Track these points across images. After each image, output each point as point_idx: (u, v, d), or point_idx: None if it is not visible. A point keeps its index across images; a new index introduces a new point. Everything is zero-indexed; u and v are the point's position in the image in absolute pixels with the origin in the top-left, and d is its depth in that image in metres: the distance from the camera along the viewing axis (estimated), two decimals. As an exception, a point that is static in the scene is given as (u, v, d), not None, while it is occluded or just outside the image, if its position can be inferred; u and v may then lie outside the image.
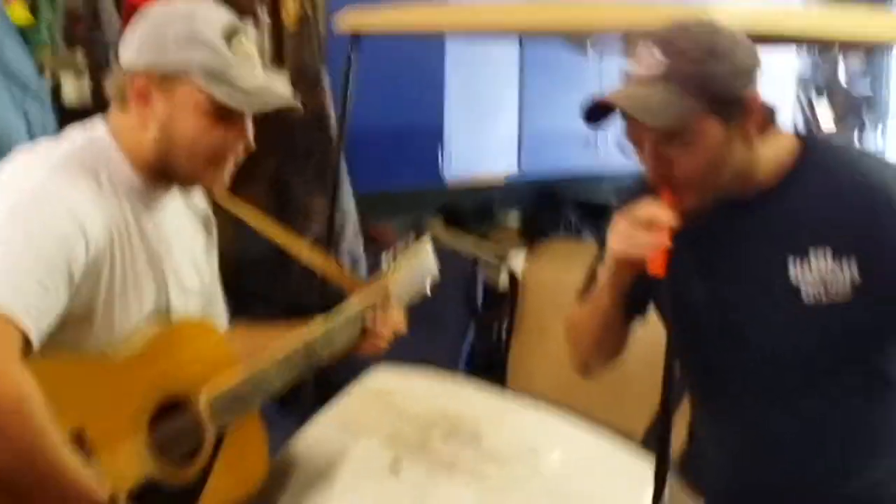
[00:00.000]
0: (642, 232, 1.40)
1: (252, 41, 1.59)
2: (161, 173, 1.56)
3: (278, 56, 3.51)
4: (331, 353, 1.82)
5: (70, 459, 1.34)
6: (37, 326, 1.31)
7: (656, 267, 1.39)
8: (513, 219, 4.64)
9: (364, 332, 1.87)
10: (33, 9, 2.89)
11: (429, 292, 2.08)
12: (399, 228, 4.10)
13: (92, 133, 1.56)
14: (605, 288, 1.53)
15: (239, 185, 3.73)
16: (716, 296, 1.50)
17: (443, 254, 3.47)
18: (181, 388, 1.59)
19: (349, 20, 2.58)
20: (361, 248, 3.56)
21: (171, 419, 1.57)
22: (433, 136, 3.94)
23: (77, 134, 1.56)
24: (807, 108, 6.18)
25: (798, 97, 6.04)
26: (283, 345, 1.74)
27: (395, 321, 1.91)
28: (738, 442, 1.55)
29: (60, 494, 1.34)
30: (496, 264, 3.40)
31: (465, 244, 3.97)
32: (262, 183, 3.60)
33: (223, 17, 1.55)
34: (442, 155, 3.96)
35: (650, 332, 1.97)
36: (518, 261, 3.22)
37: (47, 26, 2.89)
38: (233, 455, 1.67)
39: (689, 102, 1.35)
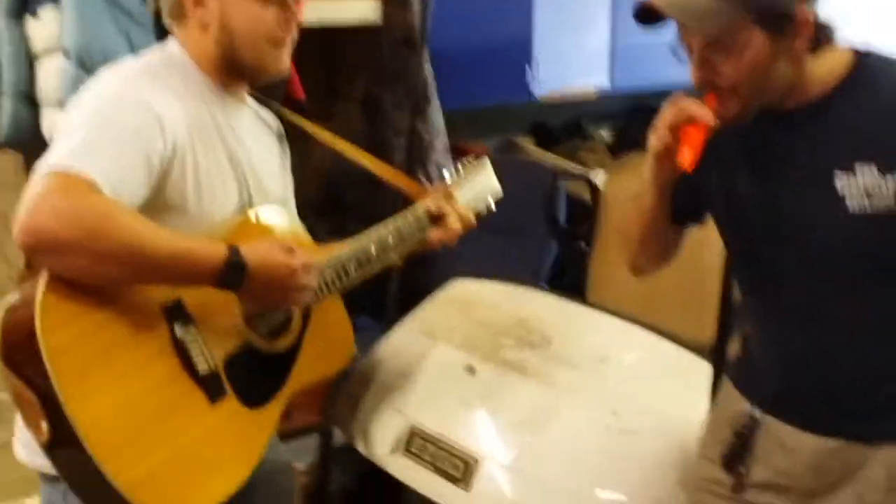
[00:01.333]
0: (677, 113, 1.46)
1: None
2: (230, 70, 1.68)
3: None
4: (401, 249, 1.91)
5: (176, 236, 1.46)
6: (113, 189, 1.42)
7: (686, 161, 1.45)
8: (604, 133, 4.63)
9: (434, 227, 1.95)
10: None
11: (493, 208, 2.15)
12: (489, 144, 4.16)
13: (164, 47, 1.71)
14: (647, 185, 1.59)
15: (331, 104, 3.87)
16: (765, 200, 1.53)
17: (523, 168, 3.57)
18: None
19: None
20: (451, 164, 3.64)
21: None
22: (522, 50, 3.94)
23: (151, 51, 1.71)
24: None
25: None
26: (357, 240, 1.86)
27: (463, 215, 1.98)
28: (787, 344, 1.59)
29: (184, 266, 1.47)
30: (580, 178, 3.45)
31: (551, 158, 4.03)
32: (354, 101, 3.70)
33: None
34: (531, 70, 3.97)
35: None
36: (601, 175, 3.27)
37: (148, -48, 3.00)
38: (320, 333, 1.81)
39: (734, 11, 1.38)
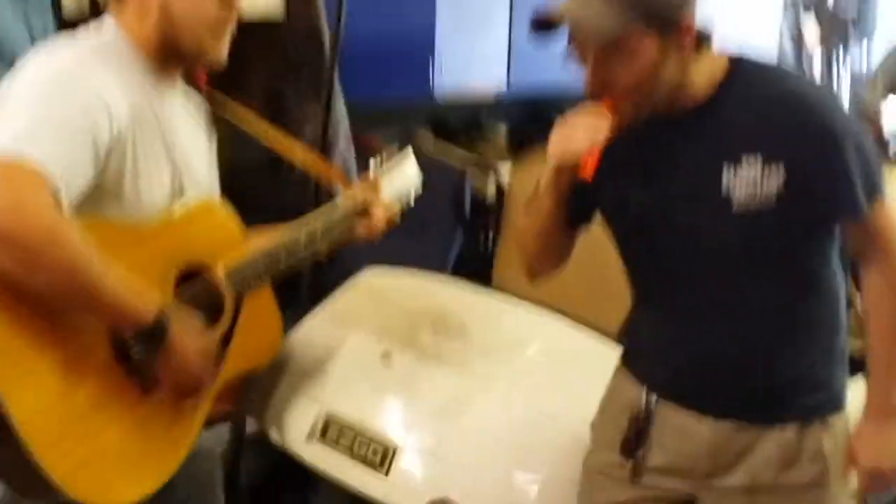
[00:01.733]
0: (577, 137, 1.51)
1: None
2: (169, 55, 1.66)
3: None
4: (330, 240, 1.95)
5: (112, 276, 1.45)
6: (62, 179, 1.39)
7: (586, 170, 1.51)
8: (501, 132, 4.71)
9: (360, 221, 1.99)
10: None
11: (412, 202, 2.20)
12: (388, 139, 4.17)
13: (101, 28, 1.67)
14: (545, 192, 1.65)
15: (233, 96, 3.81)
16: (653, 200, 1.60)
17: (432, 164, 3.59)
18: (201, 258, 1.72)
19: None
20: (353, 156, 3.65)
21: (192, 286, 1.70)
22: (424, 48, 3.98)
23: (89, 32, 1.66)
24: (793, 27, 6.20)
25: (785, 15, 6.06)
26: (287, 231, 1.88)
27: (388, 209, 2.03)
28: (679, 334, 1.66)
29: (110, 311, 1.46)
30: (483, 173, 3.51)
31: (453, 155, 4.07)
32: (255, 93, 3.66)
33: None
34: (433, 67, 4.01)
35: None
36: (505, 172, 3.33)
37: (46, -65, 2.91)
38: (251, 324, 1.82)
39: (625, 19, 1.44)
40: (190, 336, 1.58)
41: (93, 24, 1.68)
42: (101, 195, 1.53)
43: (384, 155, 2.15)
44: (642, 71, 1.48)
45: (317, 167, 2.16)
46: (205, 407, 1.72)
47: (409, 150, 2.22)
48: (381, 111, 4.16)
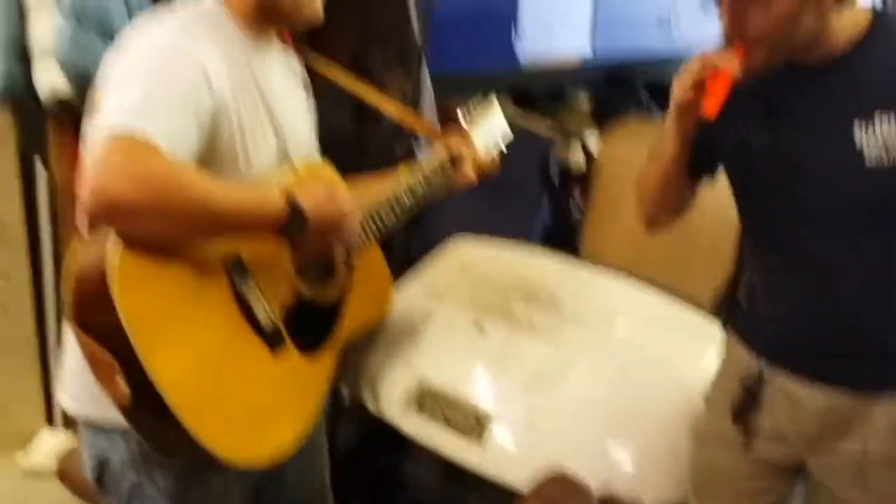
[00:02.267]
0: (701, 72, 1.50)
1: None
2: (266, 17, 1.68)
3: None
4: (429, 195, 1.98)
5: (237, 190, 1.50)
6: (171, 147, 1.43)
7: (710, 108, 1.48)
8: (584, 101, 4.66)
9: (454, 172, 2.02)
10: None
11: (503, 148, 2.19)
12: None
13: (199, 1, 1.69)
14: (668, 135, 1.62)
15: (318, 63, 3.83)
16: (782, 151, 1.57)
17: (516, 131, 3.59)
18: None
19: None
20: (438, 124, 3.66)
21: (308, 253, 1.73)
22: (508, 18, 3.96)
23: (186, 5, 1.69)
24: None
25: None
26: (389, 186, 1.92)
27: (478, 158, 2.06)
28: (796, 296, 1.64)
29: (249, 221, 1.51)
30: (568, 142, 3.48)
31: (537, 124, 4.04)
32: (341, 60, 3.68)
33: None
34: (516, 37, 3.99)
35: (716, 205, 2.08)
36: (592, 139, 3.30)
37: None
38: (363, 281, 1.87)
39: None
40: (322, 197, 1.60)
41: None
42: (216, 164, 1.56)
43: (470, 106, 2.15)
44: (779, 17, 1.46)
45: (409, 120, 2.18)
46: (330, 362, 1.79)
47: (494, 99, 2.21)
48: (464, 80, 4.15)
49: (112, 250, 1.39)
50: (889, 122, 1.47)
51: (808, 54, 1.52)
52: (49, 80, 2.72)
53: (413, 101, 2.86)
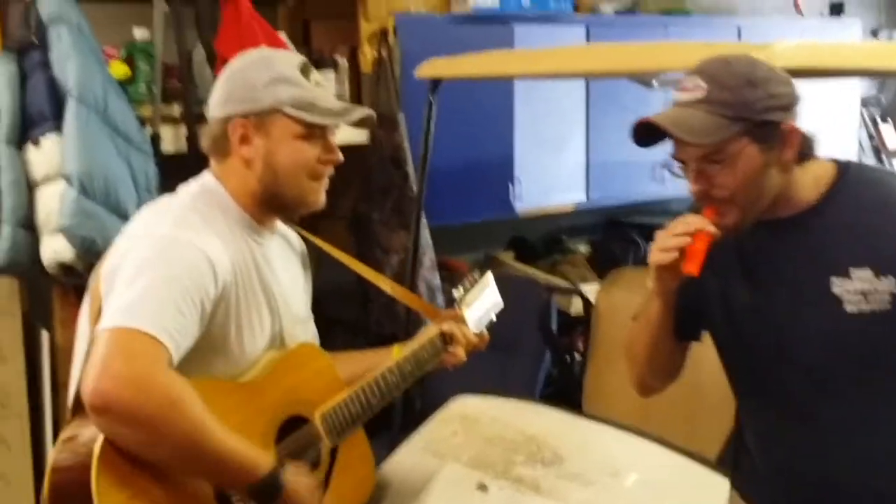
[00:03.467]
0: (675, 235, 1.53)
1: (317, 74, 1.79)
2: (268, 204, 1.74)
3: (357, 99, 3.68)
4: (419, 371, 1.99)
5: (232, 440, 1.50)
6: (175, 346, 1.47)
7: (691, 267, 1.51)
8: (582, 248, 4.73)
9: (445, 351, 2.05)
10: (131, 65, 3.09)
11: (494, 319, 2.23)
12: (471, 261, 4.24)
13: (202, 182, 1.75)
14: (651, 298, 1.65)
15: (321, 222, 3.94)
16: (761, 308, 1.60)
17: (517, 284, 3.63)
18: (301, 407, 1.76)
19: (430, 68, 2.73)
20: (438, 279, 3.70)
21: (293, 436, 1.73)
22: (504, 170, 4.06)
23: (189, 186, 1.76)
24: (871, 128, 6.18)
25: (863, 117, 6.05)
26: (377, 363, 1.93)
27: (470, 338, 2.09)
28: (791, 452, 1.64)
29: (230, 472, 1.51)
30: (572, 292, 3.52)
31: (538, 274, 4.09)
32: (342, 219, 3.77)
33: (294, 55, 1.78)
34: (512, 188, 4.08)
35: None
36: (591, 288, 3.33)
37: (145, 81, 3.09)
38: (345, 470, 1.84)
39: (726, 125, 1.48)
40: (303, 487, 1.61)
41: (192, 182, 1.77)
42: (207, 349, 1.60)
43: (466, 283, 2.19)
44: (744, 178, 1.50)
45: (404, 297, 2.22)
46: None
47: (490, 274, 2.26)
48: (464, 233, 4.23)
49: (99, 447, 1.41)
50: (866, 275, 1.50)
51: (776, 210, 1.56)
52: (54, 247, 2.77)
53: (412, 255, 2.90)
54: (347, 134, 3.58)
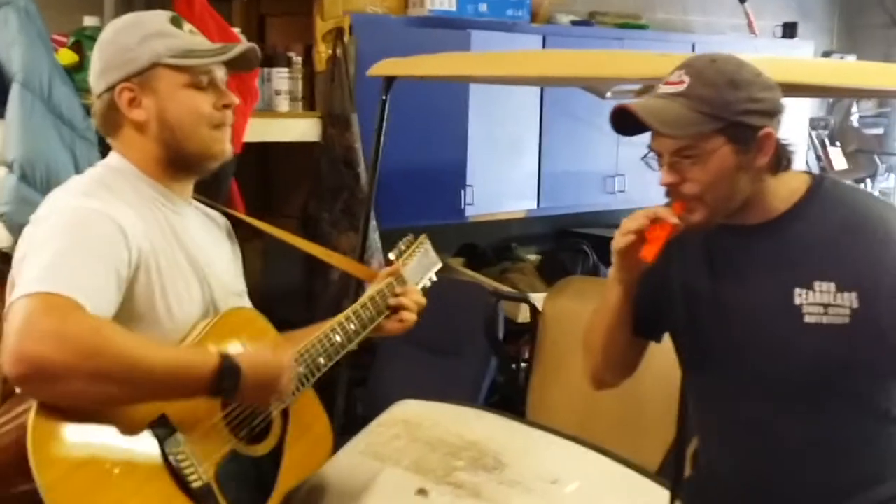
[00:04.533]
0: (637, 219, 1.55)
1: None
2: (175, 165, 1.70)
3: (310, 97, 3.64)
4: (361, 328, 1.93)
5: (169, 348, 1.49)
6: (92, 305, 1.42)
7: (649, 254, 1.53)
8: (531, 257, 4.74)
9: (390, 311, 2.00)
10: (80, 52, 3.03)
11: (434, 279, 2.20)
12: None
13: (104, 161, 1.73)
14: (612, 285, 1.66)
15: (269, 221, 3.88)
16: (722, 311, 1.61)
17: (465, 288, 3.61)
18: None
19: (383, 67, 2.71)
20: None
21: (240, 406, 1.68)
22: (456, 175, 4.05)
23: (94, 166, 1.73)
24: (819, 150, 6.29)
25: (811, 137, 6.15)
26: (322, 331, 1.88)
27: (415, 295, 2.04)
28: (741, 459, 1.65)
29: (184, 378, 1.48)
30: (520, 299, 3.51)
31: (487, 280, 4.08)
32: (291, 218, 3.73)
33: (161, 12, 1.74)
34: (464, 194, 4.07)
35: (665, 367, 2.08)
36: (539, 297, 3.33)
37: (93, 69, 3.02)
38: (301, 430, 1.81)
39: (702, 121, 1.49)
40: (261, 361, 1.59)
41: (98, 163, 1.74)
42: (137, 320, 1.56)
43: (402, 245, 2.16)
44: (715, 177, 1.51)
45: (339, 262, 2.19)
46: None
47: (425, 236, 2.24)
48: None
49: (32, 420, 1.35)
50: (829, 289, 1.51)
51: (745, 215, 1.57)
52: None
53: (359, 256, 2.87)
54: (299, 131, 3.57)
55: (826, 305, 1.51)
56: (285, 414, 1.78)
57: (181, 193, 1.75)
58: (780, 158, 1.56)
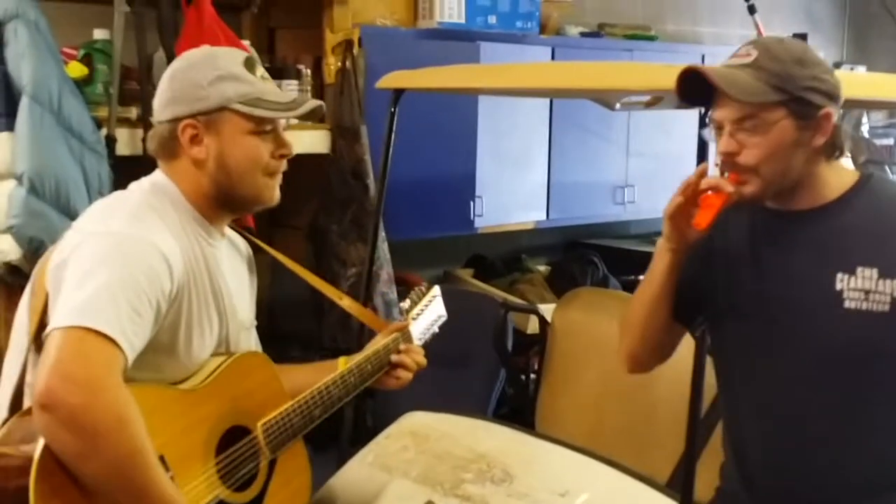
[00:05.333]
0: (691, 186, 1.57)
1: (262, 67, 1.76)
2: (222, 203, 1.71)
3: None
4: (363, 384, 1.94)
5: (164, 479, 1.45)
6: (131, 349, 1.44)
7: (702, 220, 1.55)
8: (541, 268, 4.73)
9: (390, 367, 2.00)
10: (89, 65, 3.04)
11: (437, 331, 2.21)
12: (429, 277, 4.22)
13: (153, 179, 1.72)
14: (660, 254, 1.66)
15: (278, 232, 3.89)
16: (763, 296, 1.62)
17: (474, 299, 3.61)
18: (243, 417, 1.72)
19: (392, 80, 2.71)
20: (394, 293, 3.67)
21: (234, 447, 1.69)
22: (465, 186, 4.05)
23: (141, 182, 1.72)
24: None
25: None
26: (322, 379, 1.88)
27: (416, 356, 2.04)
28: (775, 448, 1.65)
29: None
30: (529, 311, 3.49)
31: (496, 291, 4.07)
32: (300, 230, 3.74)
33: (237, 51, 1.75)
34: (473, 205, 4.07)
35: (674, 379, 2.07)
36: (548, 308, 3.31)
37: (103, 82, 3.03)
38: (282, 482, 1.80)
39: (768, 91, 1.51)
40: None
41: (144, 179, 1.73)
42: (155, 349, 1.56)
43: (414, 296, 2.18)
44: (773, 150, 1.53)
45: (352, 308, 2.19)
46: None
47: (437, 287, 2.25)
48: (423, 248, 4.21)
49: (38, 454, 1.37)
50: (872, 275, 1.53)
51: (794, 199, 1.59)
52: (0, 247, 2.71)
53: (368, 268, 2.87)
54: (308, 143, 3.57)
55: (867, 291, 1.52)
56: (272, 464, 1.78)
57: (219, 227, 1.76)
58: (835, 145, 1.58)
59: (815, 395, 1.59)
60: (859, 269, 1.53)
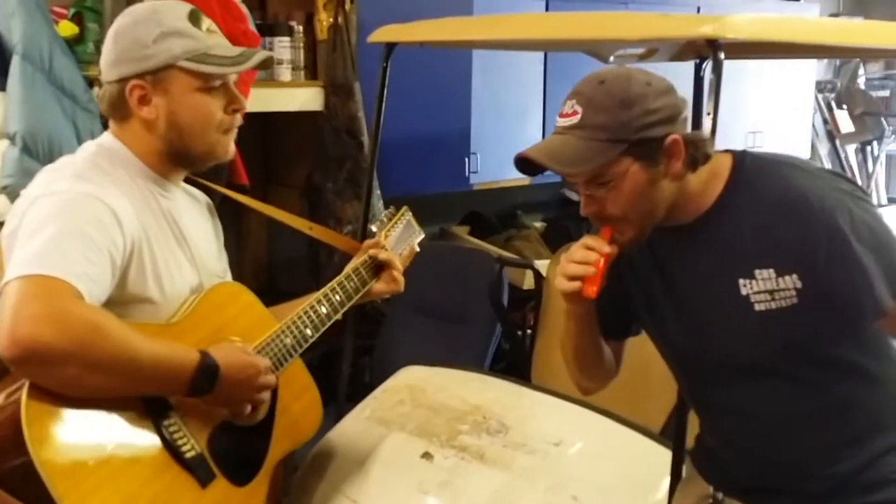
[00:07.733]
0: (572, 267, 1.53)
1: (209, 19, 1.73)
2: (175, 161, 1.71)
3: (312, 66, 3.63)
4: (347, 298, 1.95)
5: (156, 343, 1.49)
6: (87, 289, 1.43)
7: (591, 291, 1.52)
8: (537, 224, 4.74)
9: (377, 279, 2.02)
10: (80, 24, 3.02)
11: (417, 249, 2.21)
12: (425, 234, 4.22)
13: (99, 141, 1.72)
14: (567, 317, 1.67)
15: (273, 191, 3.88)
16: (679, 310, 1.62)
17: (469, 255, 3.62)
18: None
19: (384, 34, 2.69)
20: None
21: None
22: (460, 143, 4.04)
23: (87, 146, 1.72)
24: (826, 113, 6.25)
25: (817, 100, 6.11)
26: (307, 300, 1.89)
27: (398, 262, 2.05)
28: (728, 437, 1.67)
29: (168, 376, 1.51)
30: (524, 265, 3.50)
31: (492, 248, 4.08)
32: (295, 188, 3.73)
33: (181, 4, 1.71)
34: (468, 162, 4.06)
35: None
36: (544, 264, 3.33)
37: (94, 41, 3.01)
38: (290, 400, 1.83)
39: (603, 149, 1.45)
40: (234, 357, 1.62)
41: (90, 142, 1.73)
42: (132, 302, 1.58)
43: (383, 217, 2.17)
44: (633, 197, 1.49)
45: (323, 235, 2.19)
46: (263, 488, 1.75)
47: (406, 208, 2.25)
48: (418, 205, 4.19)
49: (22, 399, 1.37)
50: (770, 276, 1.50)
51: (677, 216, 1.56)
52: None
53: (363, 225, 2.87)
54: (302, 101, 3.55)
55: (771, 291, 1.50)
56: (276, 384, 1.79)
57: (174, 181, 1.76)
58: (695, 156, 1.52)
59: (750, 389, 1.59)
60: (757, 272, 1.51)
